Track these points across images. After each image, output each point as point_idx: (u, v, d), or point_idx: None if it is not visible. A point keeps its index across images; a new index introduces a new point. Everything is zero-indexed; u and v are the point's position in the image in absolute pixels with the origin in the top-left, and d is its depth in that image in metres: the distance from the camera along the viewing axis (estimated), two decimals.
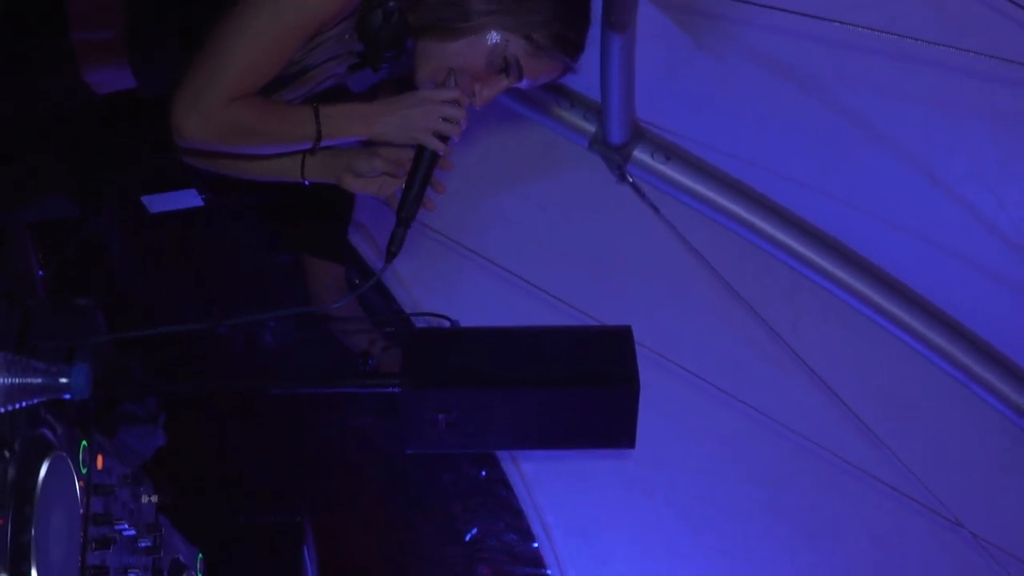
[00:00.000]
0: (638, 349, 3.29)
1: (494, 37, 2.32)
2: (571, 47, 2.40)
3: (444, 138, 2.33)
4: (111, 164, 3.45)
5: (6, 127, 2.72)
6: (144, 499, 2.71)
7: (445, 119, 2.29)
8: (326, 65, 2.44)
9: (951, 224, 3.46)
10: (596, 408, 3.26)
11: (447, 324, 3.65)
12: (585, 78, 3.78)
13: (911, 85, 3.15)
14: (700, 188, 3.96)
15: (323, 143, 2.32)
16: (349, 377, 3.36)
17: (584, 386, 3.26)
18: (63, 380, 1.44)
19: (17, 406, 1.38)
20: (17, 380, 1.33)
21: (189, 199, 3.56)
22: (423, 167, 2.28)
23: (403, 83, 2.45)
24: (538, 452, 4.32)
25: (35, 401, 1.37)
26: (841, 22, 2.79)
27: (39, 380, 1.40)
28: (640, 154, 3.96)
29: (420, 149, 2.30)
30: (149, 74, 2.42)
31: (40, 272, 3.77)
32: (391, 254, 2.27)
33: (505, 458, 4.47)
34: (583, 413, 3.28)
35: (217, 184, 3.54)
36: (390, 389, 3.29)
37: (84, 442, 2.19)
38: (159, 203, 3.60)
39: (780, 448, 4.06)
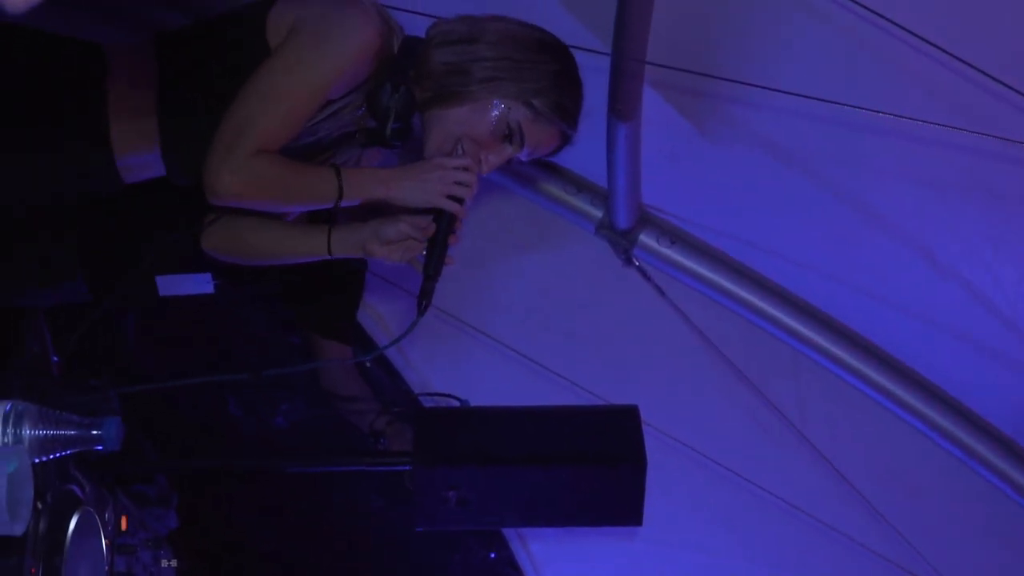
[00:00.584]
0: (645, 428, 3.35)
1: (497, 104, 2.45)
2: (568, 115, 2.54)
3: (459, 200, 2.42)
4: (129, 253, 3.53)
5: (30, 209, 2.80)
6: (164, 563, 2.77)
7: (458, 183, 2.39)
8: (340, 147, 2.52)
9: (949, 303, 3.52)
10: (604, 486, 3.31)
11: (456, 403, 3.72)
12: (592, 165, 3.89)
13: (907, 166, 3.23)
14: (704, 271, 4.03)
15: (344, 203, 2.41)
16: (360, 455, 3.42)
17: (592, 464, 3.31)
18: (95, 432, 1.50)
19: (51, 456, 1.44)
20: (52, 432, 1.40)
21: (201, 285, 3.64)
22: (444, 226, 2.37)
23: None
24: (546, 531, 4.34)
25: (68, 452, 1.43)
26: (837, 102, 2.88)
27: (73, 432, 1.46)
28: (646, 238, 4.05)
29: (437, 214, 2.38)
30: (180, 164, 2.50)
31: (55, 358, 3.83)
32: (423, 307, 2.34)
33: (513, 538, 4.50)
34: (591, 490, 3.32)
35: (230, 271, 3.64)
36: (401, 467, 3.35)
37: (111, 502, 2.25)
38: (171, 286, 3.68)
39: (786, 526, 4.09)
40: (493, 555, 4.81)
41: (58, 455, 1.41)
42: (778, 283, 3.97)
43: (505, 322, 4.23)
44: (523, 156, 2.55)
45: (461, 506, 3.21)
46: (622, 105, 3.38)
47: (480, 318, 4.18)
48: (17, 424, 1.34)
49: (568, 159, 4.00)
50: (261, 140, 2.32)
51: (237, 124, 2.30)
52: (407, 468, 3.34)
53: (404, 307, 4.27)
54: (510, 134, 2.47)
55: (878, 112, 2.85)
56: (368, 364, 4.38)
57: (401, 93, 2.42)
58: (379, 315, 4.41)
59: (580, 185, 4.08)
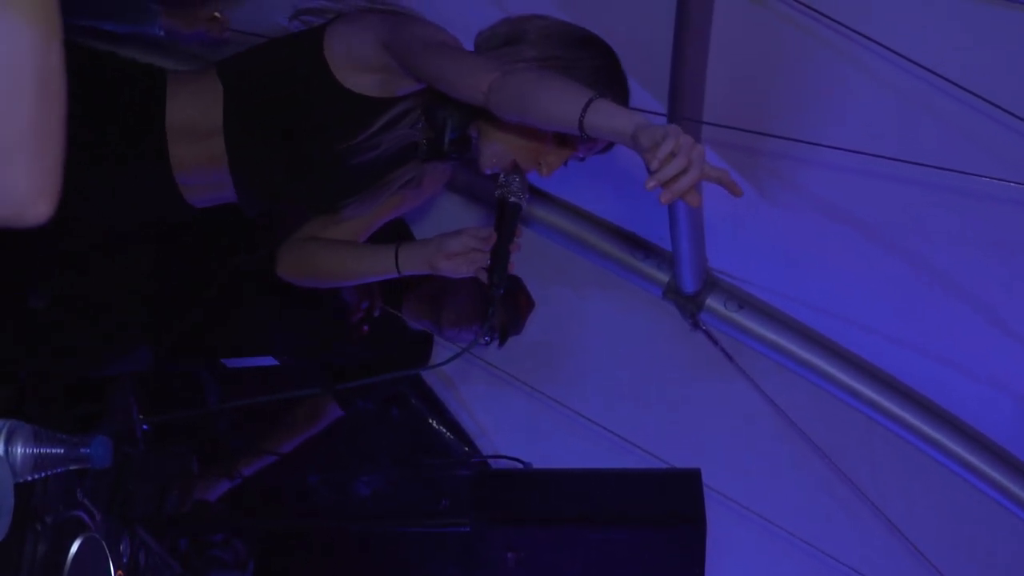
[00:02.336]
0: (710, 493, 3.33)
1: None
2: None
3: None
4: (196, 328, 3.62)
5: (109, 277, 2.88)
6: None
7: (478, 255, 2.41)
8: (401, 164, 2.56)
9: (1018, 367, 3.46)
10: (664, 548, 3.28)
11: (520, 466, 3.73)
12: (657, 229, 3.91)
13: (969, 227, 3.20)
14: (773, 335, 4.01)
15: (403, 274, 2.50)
16: (421, 516, 3.43)
17: (651, 526, 3.29)
18: (84, 451, 1.53)
19: (45, 474, 1.47)
20: (42, 450, 1.44)
21: (265, 360, 3.72)
22: (505, 235, 2.38)
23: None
24: None
25: (59, 470, 1.47)
26: (897, 159, 2.86)
27: (61, 450, 1.49)
28: (713, 302, 4.04)
29: (498, 223, 2.39)
30: (248, 182, 2.57)
31: (145, 427, 3.91)
32: (490, 315, 2.34)
33: None
34: (651, 554, 3.30)
35: (293, 351, 3.71)
36: (461, 528, 3.36)
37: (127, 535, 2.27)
38: (236, 360, 3.76)
39: None
40: None
41: (51, 472, 1.44)
42: (847, 348, 3.93)
43: (572, 385, 4.24)
44: (580, 154, 2.54)
45: (520, 567, 3.20)
46: None
47: (548, 382, 4.19)
48: (9, 442, 1.39)
49: (634, 223, 4.05)
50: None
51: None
52: (467, 529, 3.36)
53: (477, 375, 4.32)
54: (564, 136, 2.47)
55: (939, 168, 2.83)
56: (436, 422, 4.43)
57: (456, 105, 2.43)
58: (452, 382, 4.46)
59: (647, 249, 4.09)
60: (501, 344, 3.50)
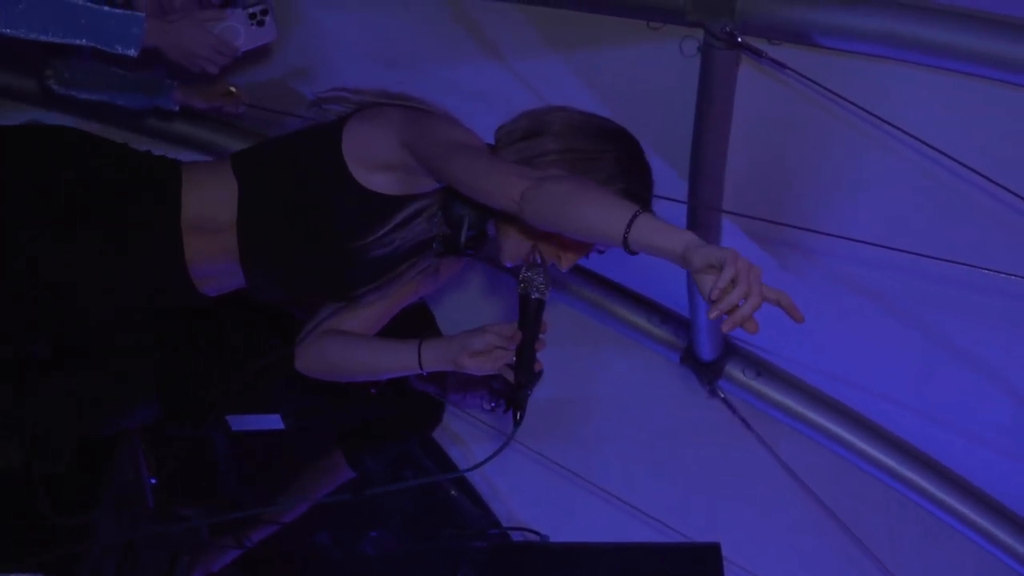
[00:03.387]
0: (728, 566, 3.30)
1: None
2: (641, 201, 2.38)
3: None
4: (203, 381, 3.61)
5: (113, 326, 2.86)
6: None
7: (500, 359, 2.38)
8: (416, 256, 2.54)
9: None
10: None
11: (537, 539, 3.70)
12: (674, 295, 3.89)
13: (992, 305, 3.19)
14: (790, 403, 3.99)
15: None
16: None
17: None
18: None
19: None
20: None
21: (271, 422, 3.71)
22: (529, 334, 2.34)
23: None
24: None
25: None
26: (916, 253, 2.85)
27: None
28: (732, 369, 4.02)
29: (522, 320, 2.36)
30: (260, 276, 2.56)
31: (153, 480, 3.91)
32: (518, 418, 2.30)
33: None
34: None
35: (300, 411, 3.70)
36: None
37: None
38: (242, 423, 3.75)
39: None
40: None
41: None
42: (866, 416, 3.91)
43: (590, 455, 4.22)
44: (599, 247, 2.50)
45: None
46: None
47: (565, 452, 4.17)
48: None
49: (651, 289, 4.04)
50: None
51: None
52: None
53: (489, 438, 4.29)
54: None
55: (961, 264, 2.82)
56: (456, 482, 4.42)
57: (475, 201, 2.38)
58: (458, 436, 4.44)
59: (664, 316, 4.08)
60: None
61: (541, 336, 2.31)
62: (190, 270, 2.49)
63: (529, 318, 2.30)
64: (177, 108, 3.42)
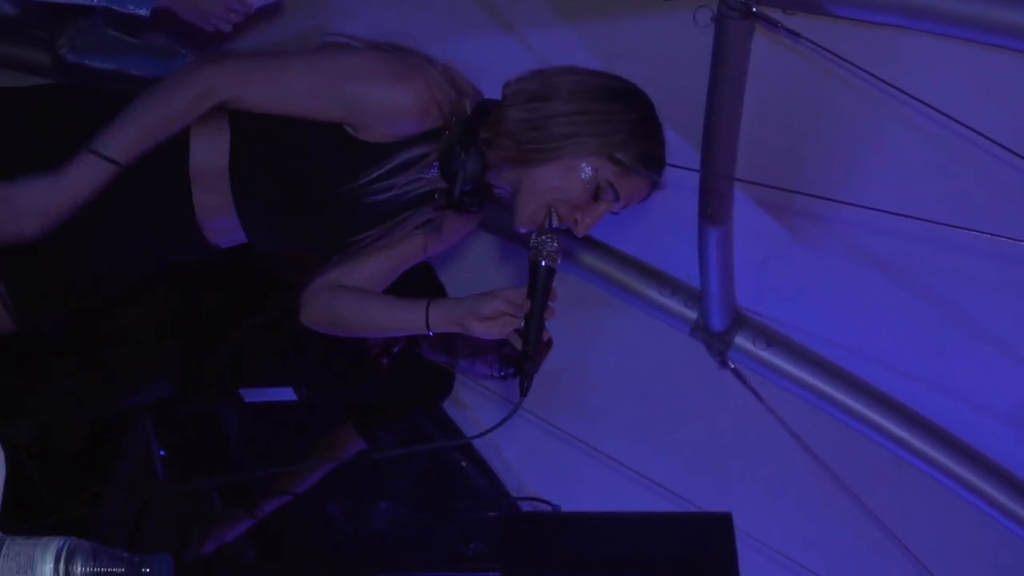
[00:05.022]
0: (740, 535, 3.31)
1: (581, 163, 2.38)
2: (654, 163, 2.44)
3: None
4: (217, 357, 3.61)
5: (129, 291, 2.87)
6: None
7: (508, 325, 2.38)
8: (417, 207, 2.53)
9: None
10: None
11: (548, 508, 3.71)
12: (685, 266, 3.89)
13: (1005, 275, 3.18)
14: (802, 374, 3.98)
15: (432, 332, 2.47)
16: (450, 561, 3.42)
17: (684, 573, 3.28)
18: (146, 570, 1.50)
19: None
20: (102, 569, 1.41)
21: (284, 394, 3.71)
22: (539, 301, 2.33)
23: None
24: None
25: None
26: (931, 220, 2.84)
27: (123, 569, 1.46)
28: (742, 340, 4.01)
29: (531, 288, 2.35)
30: (255, 229, 2.56)
31: (162, 452, 3.92)
32: (525, 387, 2.30)
33: None
34: None
35: (312, 383, 3.69)
36: (491, 573, 3.34)
37: None
38: (254, 395, 3.75)
39: None
40: None
41: None
42: (878, 387, 3.90)
43: (600, 425, 4.22)
44: (616, 208, 2.49)
45: None
46: (713, 210, 3.38)
47: (575, 422, 4.16)
48: (69, 562, 1.36)
49: (662, 261, 4.03)
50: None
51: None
52: (498, 574, 3.35)
53: (501, 410, 4.29)
54: (599, 191, 2.43)
55: (972, 231, 2.80)
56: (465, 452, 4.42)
57: (470, 155, 2.40)
58: (466, 404, 4.44)
59: (674, 286, 4.06)
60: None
61: (551, 305, 2.30)
62: (198, 218, 2.50)
63: (539, 286, 2.28)
64: None
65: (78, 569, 1.34)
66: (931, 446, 3.88)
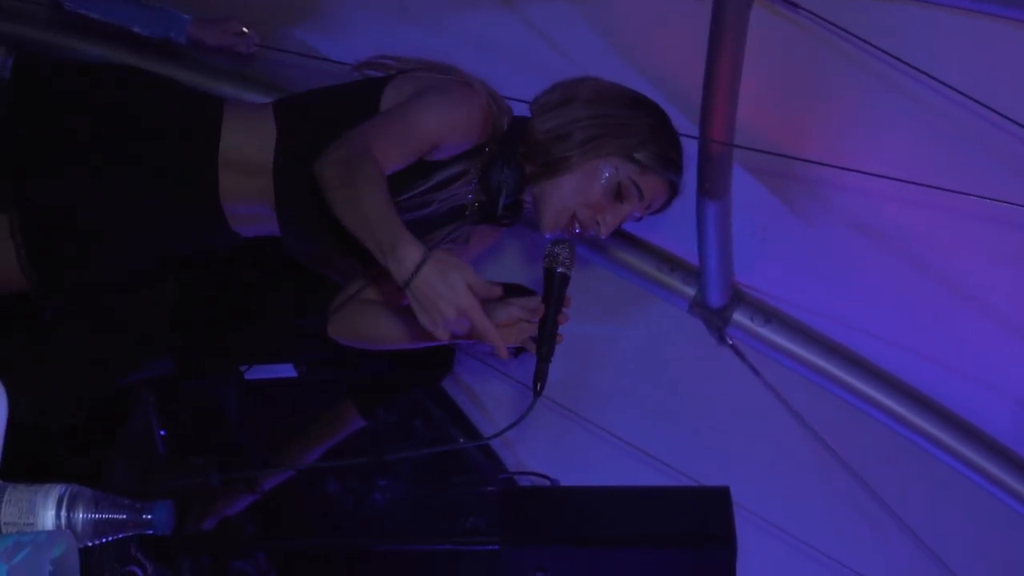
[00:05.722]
0: (737, 510, 3.32)
1: (603, 165, 2.47)
2: (673, 164, 2.54)
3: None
4: (219, 333, 3.62)
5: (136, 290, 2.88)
6: None
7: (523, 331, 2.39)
8: (452, 222, 2.56)
9: None
10: (694, 568, 3.28)
11: (547, 483, 3.72)
12: (683, 243, 3.89)
13: (1003, 248, 3.18)
14: (800, 350, 3.98)
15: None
16: (448, 536, 3.43)
17: (681, 546, 3.29)
18: (147, 516, 1.51)
19: (105, 540, 1.46)
20: (104, 515, 1.42)
21: (285, 371, 3.72)
22: (553, 307, 2.36)
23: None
24: None
25: (120, 536, 1.45)
26: (928, 185, 2.85)
27: (124, 516, 1.47)
28: (740, 317, 4.02)
29: (546, 294, 2.37)
30: (292, 224, 2.57)
31: (162, 431, 3.93)
32: (539, 389, 2.33)
33: None
34: (681, 572, 3.29)
35: (312, 360, 3.70)
36: (489, 547, 3.35)
37: None
38: (255, 371, 3.77)
39: None
40: None
41: (110, 538, 1.43)
42: (875, 363, 3.91)
43: (598, 401, 4.22)
44: (637, 212, 2.56)
45: None
46: (711, 184, 3.38)
47: (574, 398, 4.17)
48: (71, 508, 1.37)
49: (660, 236, 4.03)
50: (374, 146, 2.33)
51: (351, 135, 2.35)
52: (496, 548, 3.35)
53: (501, 388, 4.30)
54: (621, 192, 2.50)
55: (971, 195, 2.81)
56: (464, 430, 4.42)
57: (512, 169, 2.47)
58: (476, 396, 4.44)
59: (673, 263, 4.07)
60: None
61: (564, 310, 2.34)
62: (223, 205, 2.53)
63: (553, 292, 2.33)
64: (184, 41, 3.45)
65: (80, 515, 1.35)
66: (929, 422, 3.89)
